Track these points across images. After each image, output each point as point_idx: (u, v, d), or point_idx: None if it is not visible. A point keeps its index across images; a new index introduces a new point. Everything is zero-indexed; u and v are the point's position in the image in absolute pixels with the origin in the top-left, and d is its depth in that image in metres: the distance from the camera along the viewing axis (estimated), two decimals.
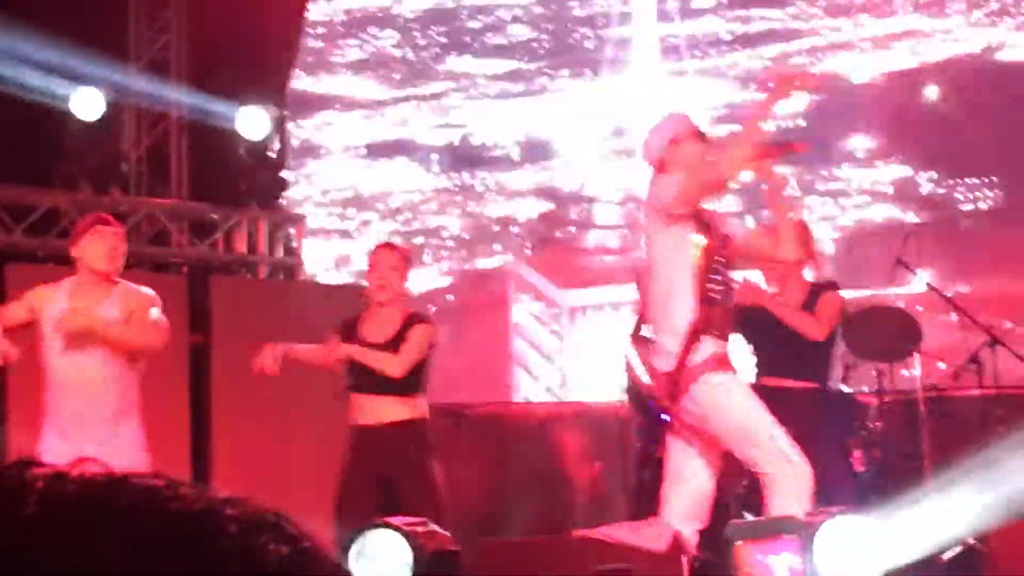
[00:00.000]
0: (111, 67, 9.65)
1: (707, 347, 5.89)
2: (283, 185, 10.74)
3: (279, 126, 10.35)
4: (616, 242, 13.23)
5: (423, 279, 13.16)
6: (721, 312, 6.00)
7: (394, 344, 6.80)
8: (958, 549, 6.29)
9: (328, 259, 13.21)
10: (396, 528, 5.62)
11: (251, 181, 10.17)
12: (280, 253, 10.55)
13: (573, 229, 13.21)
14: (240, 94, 9.92)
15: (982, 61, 13.04)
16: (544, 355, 12.73)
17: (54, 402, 6.51)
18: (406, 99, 13.57)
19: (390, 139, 13.52)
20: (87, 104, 9.68)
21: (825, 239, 12.84)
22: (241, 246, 10.42)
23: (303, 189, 13.32)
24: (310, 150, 13.43)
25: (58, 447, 6.31)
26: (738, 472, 6.38)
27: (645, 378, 5.96)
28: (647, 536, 5.96)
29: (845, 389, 8.41)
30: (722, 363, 5.95)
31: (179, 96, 9.93)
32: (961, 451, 6.51)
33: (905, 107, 13.01)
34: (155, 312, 6.51)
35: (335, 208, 13.36)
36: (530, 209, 13.28)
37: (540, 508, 10.69)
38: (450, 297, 13.13)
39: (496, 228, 13.23)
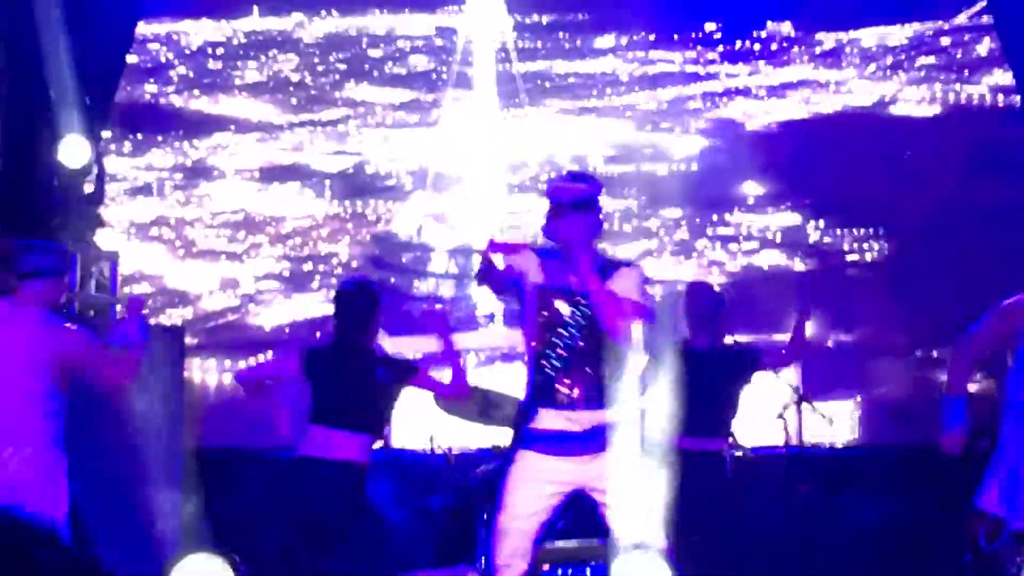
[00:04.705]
0: None
1: None
2: (99, 220, 10.61)
3: (97, 160, 10.22)
4: None
5: (310, 305, 13.12)
6: None
7: None
8: None
9: (215, 282, 13.14)
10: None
11: (64, 215, 10.04)
12: (92, 289, 10.35)
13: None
14: (58, 125, 9.76)
15: (874, 114, 13.17)
16: None
17: None
18: (302, 124, 13.53)
19: (284, 163, 13.46)
20: None
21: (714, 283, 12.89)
22: None
23: (193, 211, 13.24)
24: (203, 172, 13.35)
25: None
26: None
27: None
28: None
29: None
30: None
31: None
32: None
33: (797, 156, 13.10)
34: None
35: (224, 230, 13.28)
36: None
37: None
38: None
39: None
